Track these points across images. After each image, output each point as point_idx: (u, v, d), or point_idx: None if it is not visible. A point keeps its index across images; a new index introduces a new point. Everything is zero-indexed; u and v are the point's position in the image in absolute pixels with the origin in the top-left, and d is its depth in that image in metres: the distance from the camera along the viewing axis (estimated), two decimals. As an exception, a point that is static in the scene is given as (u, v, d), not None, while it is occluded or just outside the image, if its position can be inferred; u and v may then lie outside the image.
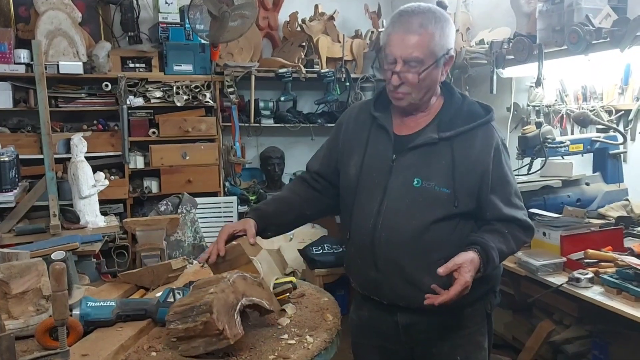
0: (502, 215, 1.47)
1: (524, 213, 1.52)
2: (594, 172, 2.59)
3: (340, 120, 1.68)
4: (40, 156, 2.84)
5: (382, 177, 1.49)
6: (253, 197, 3.88)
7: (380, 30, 4.07)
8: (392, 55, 1.44)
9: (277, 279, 1.61)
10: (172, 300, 1.44)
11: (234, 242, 1.47)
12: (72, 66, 3.33)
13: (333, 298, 1.68)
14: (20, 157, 2.91)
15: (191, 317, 1.22)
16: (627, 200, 2.43)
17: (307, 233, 3.78)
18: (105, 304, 1.41)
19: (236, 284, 1.31)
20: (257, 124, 3.94)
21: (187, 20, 3.58)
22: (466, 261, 1.35)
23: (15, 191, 2.65)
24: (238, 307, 1.28)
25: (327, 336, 1.39)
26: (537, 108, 3.10)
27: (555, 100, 2.99)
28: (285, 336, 1.38)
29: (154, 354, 1.30)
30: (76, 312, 1.36)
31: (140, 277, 1.75)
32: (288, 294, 1.59)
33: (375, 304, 1.56)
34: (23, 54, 3.29)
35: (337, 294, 3.81)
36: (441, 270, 1.33)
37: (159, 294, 1.58)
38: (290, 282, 1.61)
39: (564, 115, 2.92)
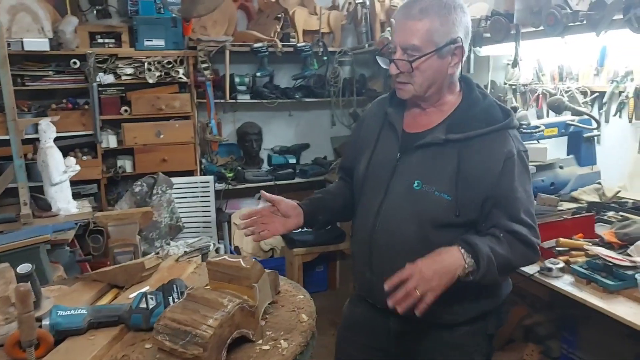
0: (500, 225, 1.34)
1: (528, 231, 1.36)
2: (567, 154, 2.61)
3: (363, 116, 1.68)
4: (8, 137, 2.72)
5: (386, 176, 1.45)
6: (230, 175, 3.83)
7: (357, 1, 3.97)
8: (393, 43, 1.40)
9: None
10: (144, 306, 1.43)
11: (244, 264, 1.43)
12: (37, 43, 3.20)
13: (309, 295, 1.67)
14: (-14, 138, 2.82)
15: (182, 341, 1.18)
16: (599, 183, 2.46)
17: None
18: (76, 312, 1.39)
19: (234, 317, 1.26)
20: (233, 100, 3.84)
21: (157, -7, 3.45)
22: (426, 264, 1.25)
23: (-18, 178, 2.58)
24: (228, 341, 1.24)
25: (302, 339, 1.38)
26: (513, 87, 3.09)
27: (532, 80, 2.98)
28: (260, 341, 1.37)
29: (127, 363, 1.29)
30: (46, 322, 1.33)
31: (114, 276, 1.72)
32: None
33: (371, 305, 1.55)
34: (-16, 30, 3.14)
35: (316, 270, 3.86)
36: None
37: (132, 295, 1.56)
38: None
39: (540, 95, 2.91)
